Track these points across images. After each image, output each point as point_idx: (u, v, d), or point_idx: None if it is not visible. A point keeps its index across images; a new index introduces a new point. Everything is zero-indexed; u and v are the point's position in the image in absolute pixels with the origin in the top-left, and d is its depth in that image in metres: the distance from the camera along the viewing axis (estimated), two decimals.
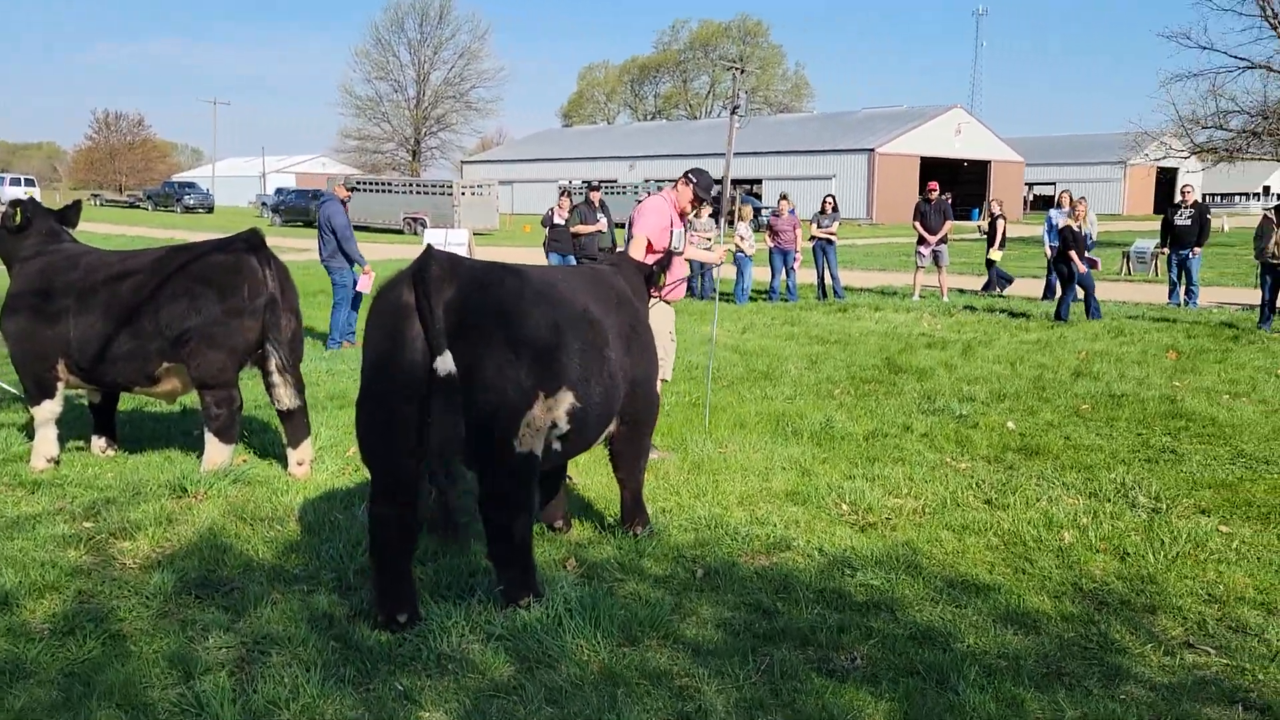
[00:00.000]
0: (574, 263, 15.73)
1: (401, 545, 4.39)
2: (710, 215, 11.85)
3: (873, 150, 62.65)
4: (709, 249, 8.03)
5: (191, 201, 62.23)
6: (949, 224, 18.13)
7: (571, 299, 4.72)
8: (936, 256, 18.00)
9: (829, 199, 19.07)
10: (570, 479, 6.21)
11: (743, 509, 6.13)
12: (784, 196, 19.06)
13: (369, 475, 4.69)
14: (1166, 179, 73.87)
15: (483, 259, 4.84)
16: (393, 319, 4.33)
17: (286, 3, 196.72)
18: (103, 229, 37.48)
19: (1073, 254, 14.74)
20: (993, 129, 70.94)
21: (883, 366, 10.99)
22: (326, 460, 7.02)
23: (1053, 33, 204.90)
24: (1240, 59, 33.77)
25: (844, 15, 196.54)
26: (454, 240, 17.99)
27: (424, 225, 39.35)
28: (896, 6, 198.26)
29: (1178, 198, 17.77)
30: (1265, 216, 14.32)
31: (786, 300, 17.99)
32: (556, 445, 4.64)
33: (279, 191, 58.99)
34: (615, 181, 58.90)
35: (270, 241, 6.86)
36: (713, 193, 7.31)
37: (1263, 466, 7.13)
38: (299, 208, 50.73)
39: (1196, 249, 16.90)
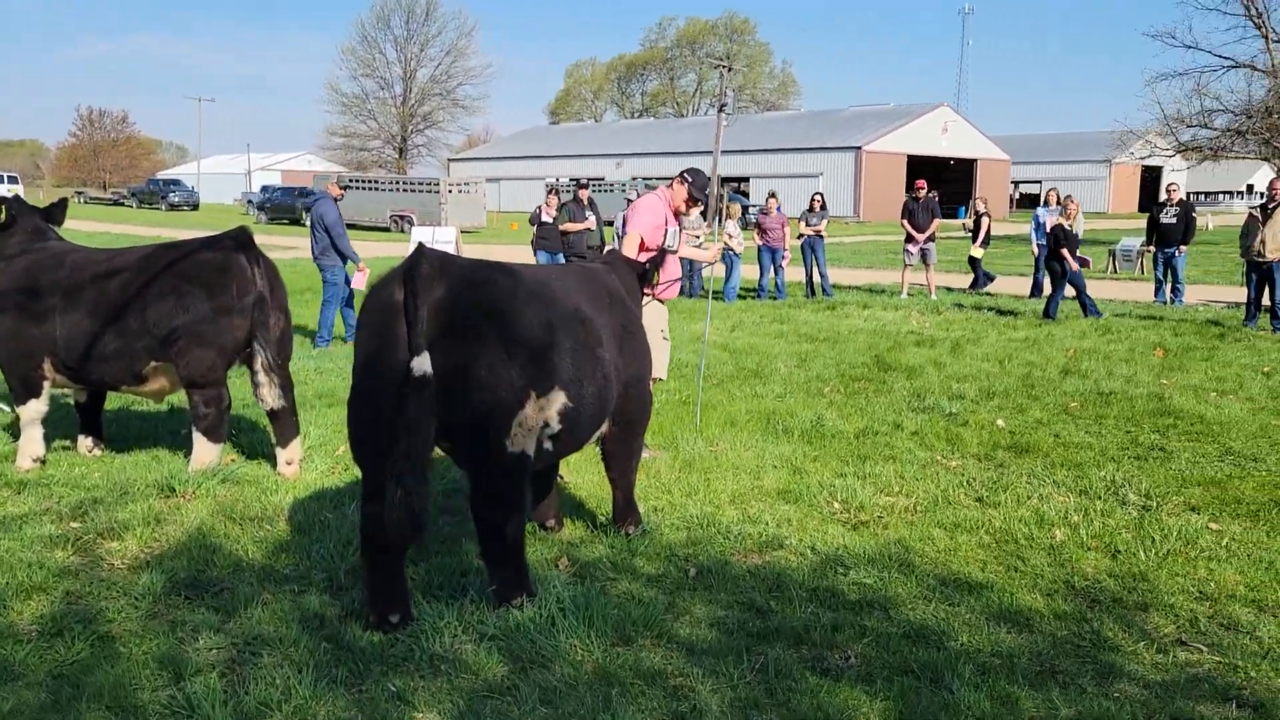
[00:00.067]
0: (562, 261, 15.71)
1: (394, 544, 4.35)
2: (699, 212, 11.83)
3: (860, 148, 62.78)
4: (700, 245, 8.02)
5: (176, 199, 61.95)
6: (937, 222, 18.17)
7: (564, 298, 4.70)
8: (924, 254, 18.04)
9: (817, 197, 19.09)
10: (562, 478, 6.19)
11: (734, 507, 6.12)
12: (772, 195, 19.05)
13: (360, 474, 4.66)
14: (1151, 177, 74.27)
15: (474, 257, 4.81)
16: (383, 317, 4.30)
17: None
18: (87, 226, 37.23)
19: (1065, 252, 14.78)
20: (979, 127, 71.18)
21: (872, 364, 11.00)
22: (316, 459, 6.99)
23: (1038, 31, 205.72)
24: (1224, 58, 33.99)
25: (831, 13, 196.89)
26: (441, 238, 17.94)
27: (411, 223, 39.29)
28: (883, 5, 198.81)
29: (1163, 196, 17.84)
30: (1250, 214, 14.39)
31: (775, 298, 18.00)
32: (548, 445, 4.62)
33: (265, 189, 58.80)
34: (602, 179, 58.88)
35: (257, 239, 6.81)
36: (707, 192, 7.31)
37: (1251, 464, 7.16)
38: (285, 205, 50.56)
39: (1183, 247, 16.97)
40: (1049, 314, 14.89)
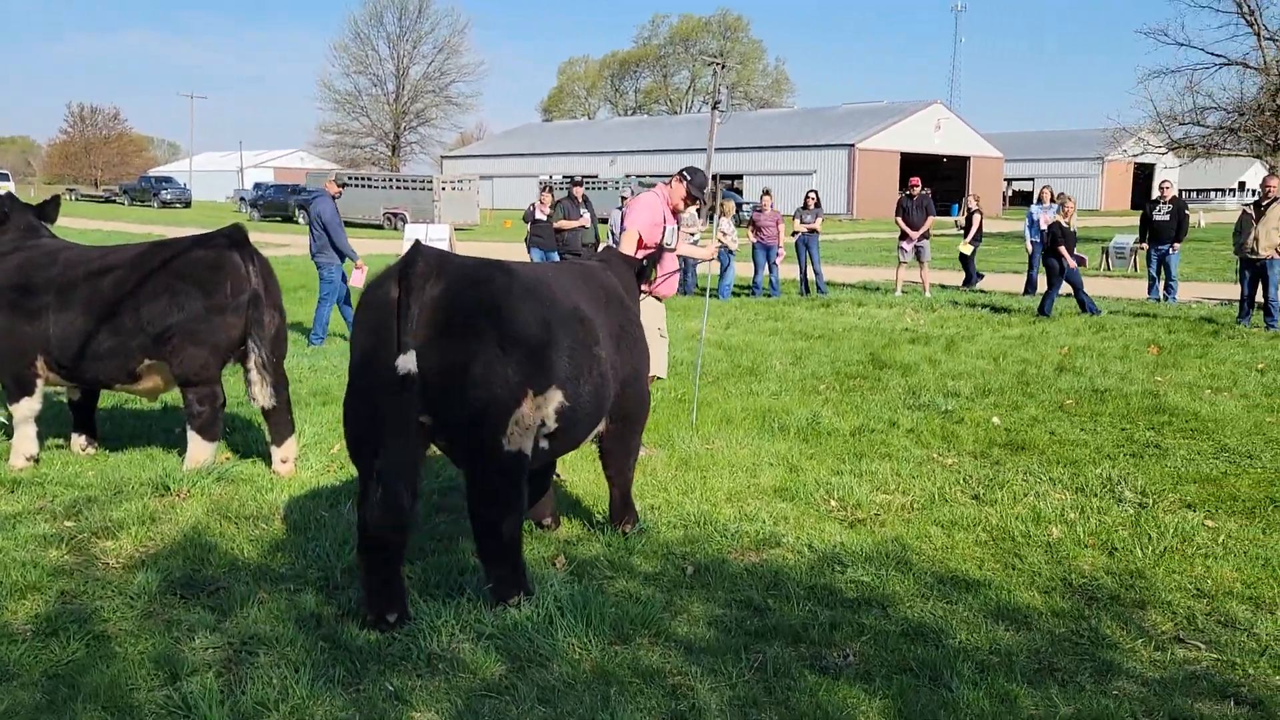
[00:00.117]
0: (557, 258, 15.68)
1: (399, 543, 4.33)
2: (696, 210, 11.84)
3: (853, 146, 62.82)
4: (695, 243, 8.01)
5: (168, 196, 61.78)
6: (931, 219, 18.18)
7: (561, 296, 4.69)
8: (919, 252, 18.05)
9: (812, 194, 19.08)
10: (558, 476, 6.18)
11: (731, 505, 6.11)
12: (767, 192, 19.04)
13: (356, 472, 4.64)
14: (1144, 175, 74.42)
15: (471, 255, 4.79)
16: (380, 315, 4.29)
17: None
18: (78, 224, 37.06)
19: (1062, 250, 14.80)
20: (972, 125, 71.26)
21: (867, 362, 11.00)
22: (311, 458, 6.96)
23: (1031, 29, 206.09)
24: (1217, 56, 34.14)
25: (823, 10, 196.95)
26: (435, 235, 17.93)
27: (404, 220, 39.21)
28: (876, 2, 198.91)
29: (1155, 193, 17.86)
30: (1244, 212, 14.42)
31: (769, 296, 18.00)
32: (544, 444, 4.61)
33: (257, 186, 58.62)
34: (596, 177, 58.82)
35: (250, 237, 6.78)
36: (707, 191, 7.31)
37: (1246, 461, 7.17)
38: (277, 203, 50.42)
39: (1176, 245, 17.00)
40: (1043, 311, 14.91)
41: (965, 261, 19.81)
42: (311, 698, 3.76)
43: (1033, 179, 73.05)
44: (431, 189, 44.23)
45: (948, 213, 53.17)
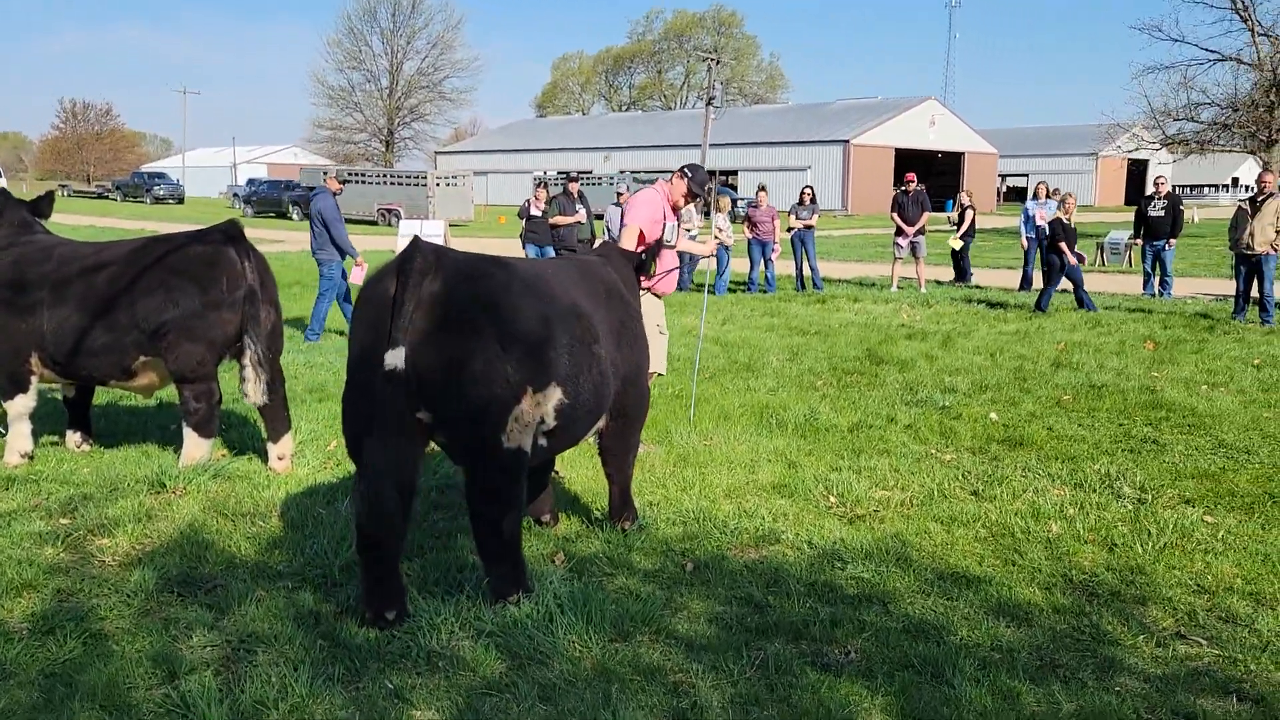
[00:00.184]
0: (552, 254, 15.64)
1: (390, 540, 4.31)
2: (693, 206, 11.81)
3: (848, 142, 62.86)
4: (693, 238, 7.99)
5: (161, 192, 61.59)
6: (927, 215, 18.18)
7: (561, 292, 4.66)
8: (914, 248, 18.04)
9: (807, 190, 19.07)
10: (557, 473, 6.16)
11: (730, 501, 6.09)
12: (762, 188, 19.03)
13: (353, 469, 4.61)
14: (1138, 170, 74.59)
15: (470, 251, 4.76)
16: (378, 311, 4.26)
17: None
18: (71, 220, 36.92)
19: (1063, 246, 14.79)
20: (966, 121, 71.31)
21: (864, 358, 10.99)
22: (307, 454, 6.93)
23: (1025, 25, 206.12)
24: (1211, 51, 34.12)
25: (818, 6, 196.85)
26: (429, 231, 17.83)
27: (398, 216, 39.12)
28: None
29: (1150, 189, 17.87)
30: (1240, 207, 14.43)
31: (765, 291, 17.99)
32: (543, 441, 4.58)
33: (251, 182, 58.47)
34: (590, 173, 58.75)
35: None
36: (706, 188, 7.29)
37: (1244, 456, 7.17)
38: (271, 198, 50.32)
39: (1172, 240, 17.00)
40: (1040, 307, 14.91)
41: (957, 257, 19.82)
42: (311, 696, 3.74)
43: (1027, 175, 73.12)
44: (426, 185, 44.17)
45: (942, 209, 53.20)
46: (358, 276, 11.75)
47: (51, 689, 3.82)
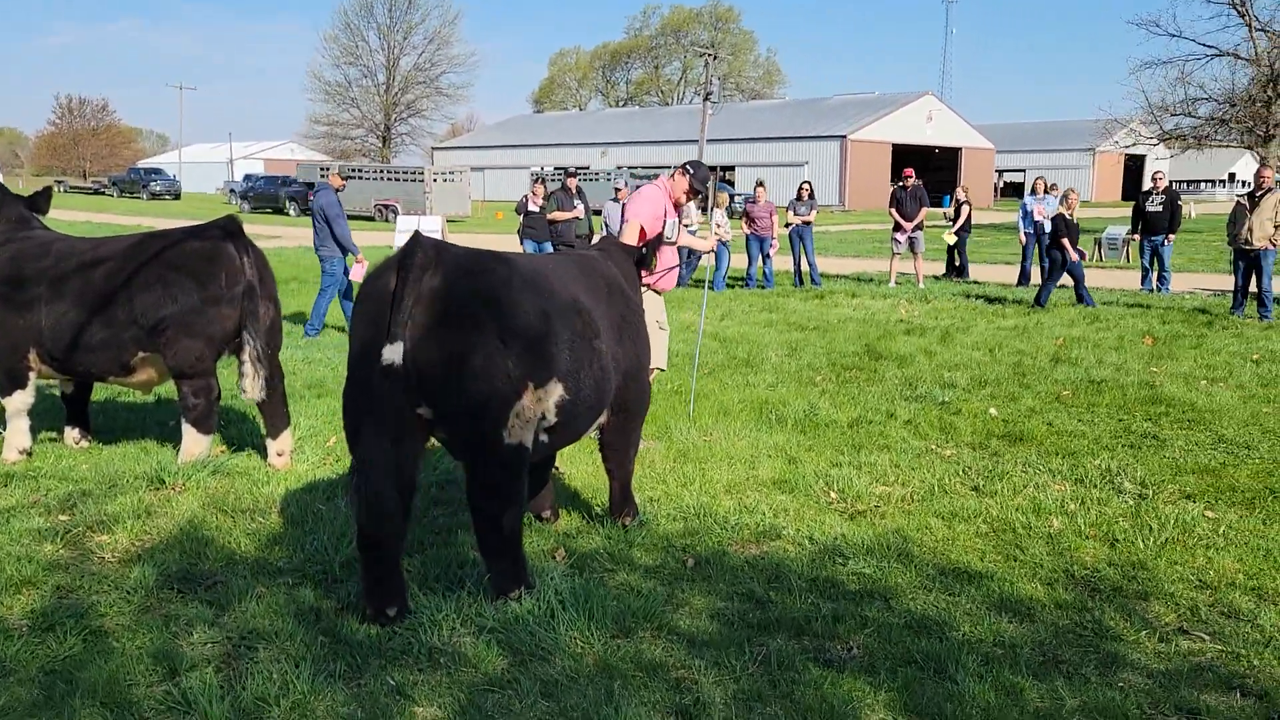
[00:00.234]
0: (550, 250, 15.62)
1: (391, 536, 4.30)
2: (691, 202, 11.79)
3: (845, 137, 62.81)
4: (693, 233, 7.98)
5: (158, 188, 61.48)
6: (925, 210, 18.17)
7: (561, 287, 4.65)
8: (912, 243, 18.04)
9: (805, 185, 19.05)
10: (557, 468, 6.14)
11: (730, 497, 6.08)
12: (760, 183, 19.00)
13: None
14: (1135, 166, 74.60)
15: (470, 246, 4.74)
16: (379, 306, 4.24)
17: None
18: (67, 216, 36.84)
19: (1065, 242, 14.77)
20: (963, 116, 71.28)
21: (863, 353, 10.98)
22: (307, 450, 6.92)
23: (1022, 20, 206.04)
24: (1208, 46, 34.20)
25: (815, 1, 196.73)
26: (427, 227, 17.82)
27: (395, 212, 39.07)
28: None
29: (1148, 184, 17.86)
30: (1238, 202, 14.42)
31: (763, 287, 17.97)
32: (544, 437, 4.57)
33: (247, 178, 58.41)
34: (588, 168, 58.70)
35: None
36: (709, 185, 7.29)
37: (1244, 451, 7.17)
38: (268, 194, 50.25)
39: (1171, 236, 17.00)
40: (1039, 302, 14.91)
41: (952, 251, 19.83)
42: (313, 693, 3.72)
43: (1024, 170, 73.20)
44: (423, 180, 44.10)
45: (939, 204, 53.26)
46: (358, 273, 11.72)
47: (52, 686, 3.81)
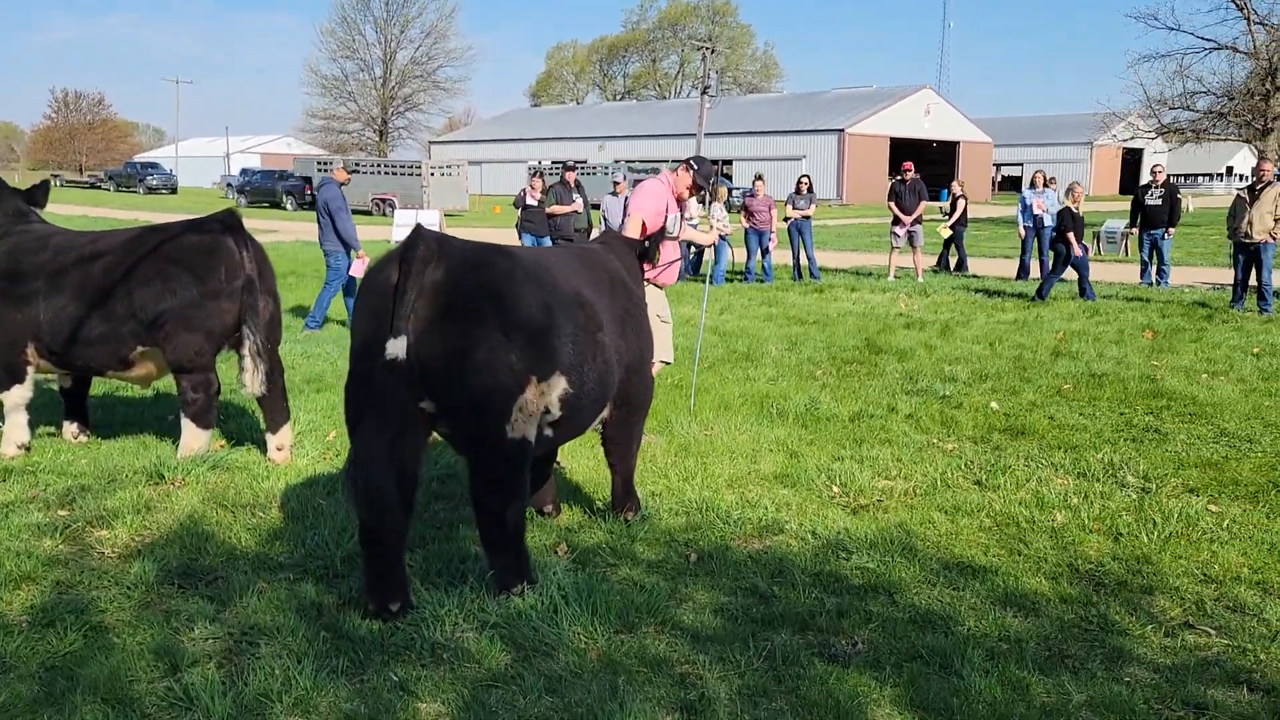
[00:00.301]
0: (549, 244, 15.58)
1: (393, 531, 4.27)
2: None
3: (842, 131, 62.70)
4: (694, 227, 7.95)
5: (154, 182, 61.33)
6: (924, 204, 18.14)
7: (564, 281, 4.62)
8: (911, 237, 18.00)
9: (804, 179, 19.00)
10: (558, 463, 6.11)
11: (732, 491, 6.06)
12: (759, 177, 18.96)
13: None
14: (1132, 159, 74.53)
15: (472, 240, 4.71)
16: (380, 300, 4.21)
17: None
18: (64, 210, 36.72)
19: (1070, 236, 14.74)
20: (961, 110, 71.20)
21: (863, 347, 10.96)
22: (306, 445, 6.89)
23: (1020, 13, 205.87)
24: (1207, 40, 34.12)
25: None
26: (425, 221, 17.76)
27: (393, 206, 38.99)
28: None
29: (1147, 178, 17.84)
30: (1238, 196, 14.40)
31: (762, 281, 17.94)
32: (549, 431, 4.55)
33: (244, 172, 58.22)
34: (585, 162, 58.60)
35: None
36: (712, 181, 7.27)
37: (1246, 445, 7.15)
38: (264, 189, 50.12)
39: (1170, 230, 16.98)
40: (1040, 294, 14.89)
41: (948, 245, 19.80)
42: (315, 688, 3.70)
43: (1021, 164, 73.15)
44: (420, 174, 43.97)
45: (937, 198, 53.35)
46: (358, 269, 11.68)
47: (52, 682, 3.79)
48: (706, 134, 51.44)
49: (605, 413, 5.05)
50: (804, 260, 18.34)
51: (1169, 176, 17.75)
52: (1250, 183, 14.48)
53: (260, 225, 30.70)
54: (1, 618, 4.29)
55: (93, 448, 6.90)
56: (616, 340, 4.81)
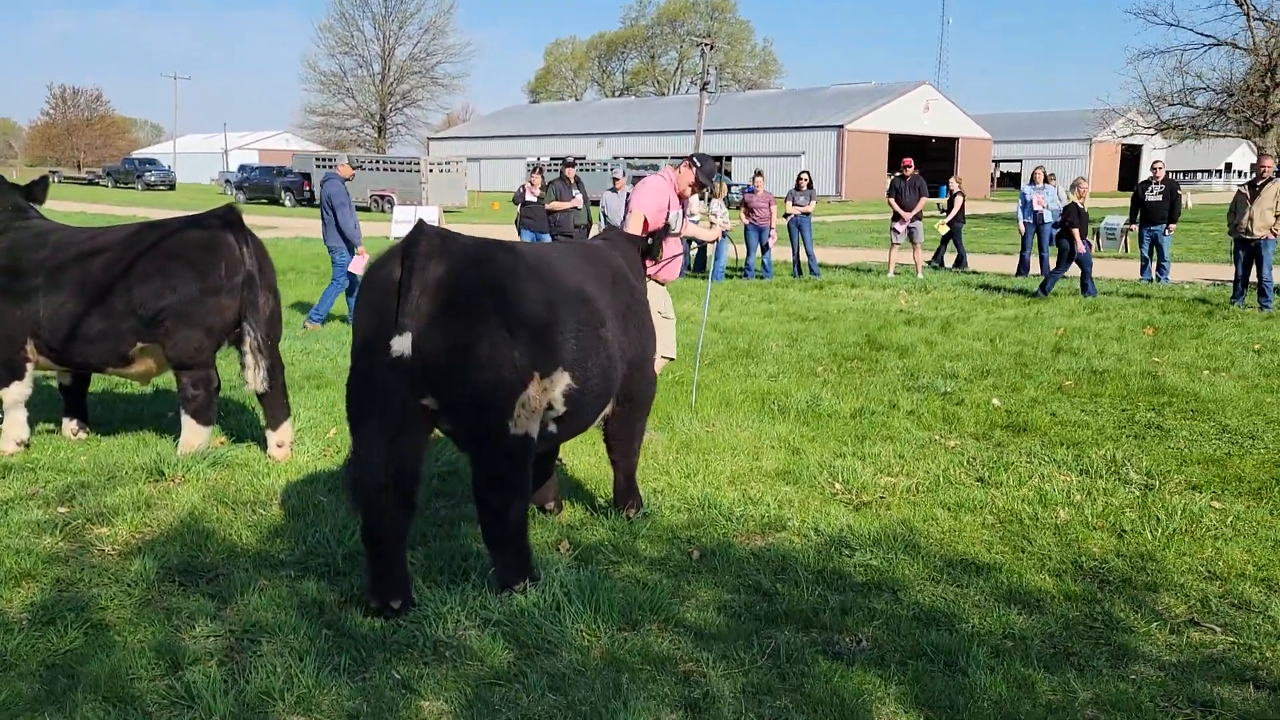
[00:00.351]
0: (548, 240, 15.55)
1: (395, 529, 4.25)
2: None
3: (842, 127, 62.66)
4: (695, 222, 7.92)
5: (153, 178, 61.28)
6: (924, 201, 18.12)
7: (567, 276, 4.60)
8: (911, 233, 17.98)
9: (804, 175, 18.98)
10: (560, 460, 6.09)
11: (734, 488, 6.04)
12: (759, 173, 18.93)
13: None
14: (1131, 156, 74.52)
15: (474, 235, 4.69)
16: (382, 296, 4.19)
17: None
18: (62, 206, 36.66)
19: (1075, 232, 14.70)
20: (960, 106, 71.13)
21: (863, 344, 10.94)
22: (307, 442, 6.87)
23: (1019, 9, 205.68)
24: (1206, 36, 34.12)
25: None
26: (423, 218, 17.74)
27: (391, 203, 38.95)
28: None
29: (1147, 174, 17.82)
30: (1239, 192, 14.38)
31: (762, 277, 17.92)
32: (553, 427, 4.53)
33: (242, 168, 58.17)
34: (584, 158, 58.55)
35: None
36: (714, 179, 7.24)
37: (1248, 441, 7.14)
38: (263, 185, 50.06)
39: (1171, 225, 16.95)
40: (1044, 290, 14.86)
41: (952, 241, 19.78)
42: (317, 687, 3.69)
43: (1020, 160, 73.13)
44: (419, 171, 43.92)
45: (936, 194, 53.33)
46: (357, 266, 11.63)
47: (53, 680, 3.77)
48: (705, 130, 51.38)
49: (608, 409, 5.03)
50: (804, 257, 18.32)
51: (1169, 173, 17.73)
52: (1251, 179, 14.45)
53: (259, 221, 30.64)
54: (1, 615, 4.27)
55: (92, 444, 6.87)
56: (619, 336, 4.79)
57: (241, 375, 6.47)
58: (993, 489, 6.06)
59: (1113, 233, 24.62)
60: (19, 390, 6.55)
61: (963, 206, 19.40)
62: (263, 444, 6.71)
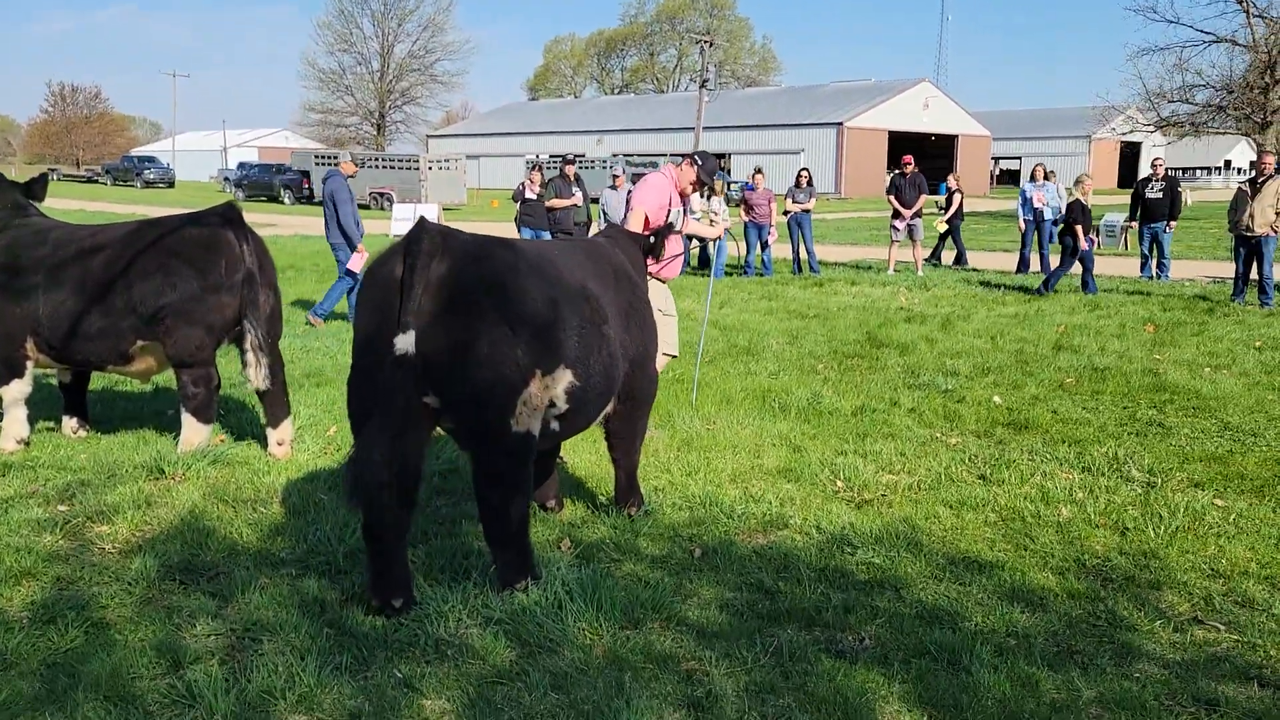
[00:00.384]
0: (548, 237, 15.53)
1: (396, 527, 4.24)
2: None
3: (841, 124, 62.68)
4: (697, 219, 7.91)
5: (152, 176, 61.20)
6: (924, 198, 18.10)
7: (569, 274, 4.58)
8: (911, 230, 17.96)
9: (804, 173, 18.96)
10: (561, 458, 6.08)
11: (736, 486, 6.03)
12: (759, 170, 18.92)
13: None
14: (1130, 153, 74.54)
15: (476, 233, 4.67)
16: (384, 293, 4.18)
17: None
18: (61, 204, 36.63)
19: (1079, 229, 14.68)
20: (960, 103, 71.12)
21: (864, 341, 10.93)
22: (307, 440, 6.85)
23: (1019, 6, 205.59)
24: (1206, 33, 34.12)
25: None
26: (423, 215, 17.71)
27: (390, 200, 38.91)
28: None
29: (1147, 171, 17.80)
30: (1240, 189, 14.37)
31: (762, 275, 17.90)
32: (555, 425, 4.52)
33: (242, 166, 58.15)
34: (583, 156, 58.48)
35: None
36: (715, 177, 7.23)
37: (1250, 439, 7.13)
38: (262, 182, 50.03)
39: (1171, 222, 16.94)
40: (1047, 287, 14.85)
41: (943, 238, 19.78)
42: (319, 685, 3.67)
43: (1020, 158, 73.13)
44: (418, 168, 43.87)
45: (936, 191, 53.29)
46: (356, 263, 11.61)
47: (54, 679, 3.75)
48: (705, 128, 51.39)
49: (609, 407, 5.02)
50: (804, 254, 18.31)
51: (1168, 170, 17.71)
52: (1251, 176, 14.44)
53: (259, 219, 30.63)
54: (2, 614, 4.25)
55: (92, 443, 6.86)
56: (621, 334, 4.78)
57: (243, 373, 6.45)
58: (995, 487, 6.05)
59: (1112, 230, 24.60)
60: (19, 388, 6.53)
61: (961, 204, 19.39)
62: (263, 442, 6.69)
